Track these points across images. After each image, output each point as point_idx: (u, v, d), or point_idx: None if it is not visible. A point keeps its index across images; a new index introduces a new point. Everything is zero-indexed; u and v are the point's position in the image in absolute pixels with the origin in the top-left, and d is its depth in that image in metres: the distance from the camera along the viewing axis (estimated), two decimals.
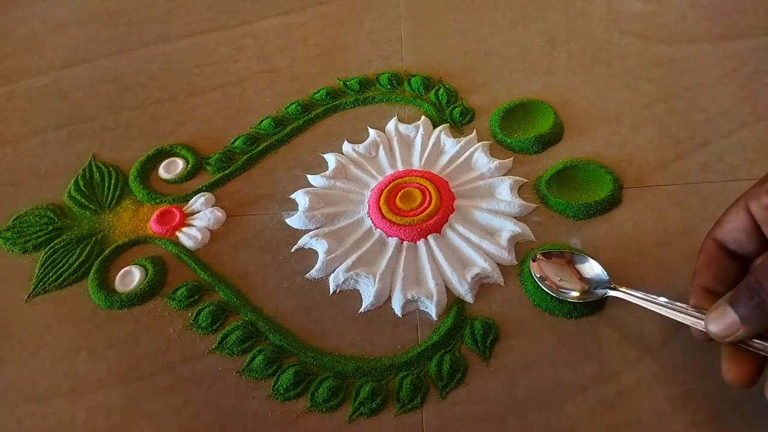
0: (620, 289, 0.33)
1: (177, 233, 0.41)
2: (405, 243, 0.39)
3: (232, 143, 0.46)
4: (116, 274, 0.39)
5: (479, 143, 0.44)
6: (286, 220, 0.41)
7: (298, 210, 0.41)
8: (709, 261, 0.30)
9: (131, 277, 0.39)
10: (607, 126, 0.45)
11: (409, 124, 0.46)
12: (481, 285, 0.37)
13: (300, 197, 0.42)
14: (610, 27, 0.52)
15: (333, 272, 0.38)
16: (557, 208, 0.40)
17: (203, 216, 0.42)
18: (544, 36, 0.52)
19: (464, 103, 0.47)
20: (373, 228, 0.40)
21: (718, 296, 0.28)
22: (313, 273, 0.38)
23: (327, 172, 0.43)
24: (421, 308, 0.36)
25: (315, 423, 0.32)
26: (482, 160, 0.43)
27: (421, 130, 0.45)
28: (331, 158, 0.44)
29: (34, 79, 0.55)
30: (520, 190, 0.41)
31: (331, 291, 0.37)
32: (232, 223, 0.42)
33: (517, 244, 0.38)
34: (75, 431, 0.33)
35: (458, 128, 0.46)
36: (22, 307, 0.39)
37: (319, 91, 0.49)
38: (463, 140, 0.44)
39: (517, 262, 0.37)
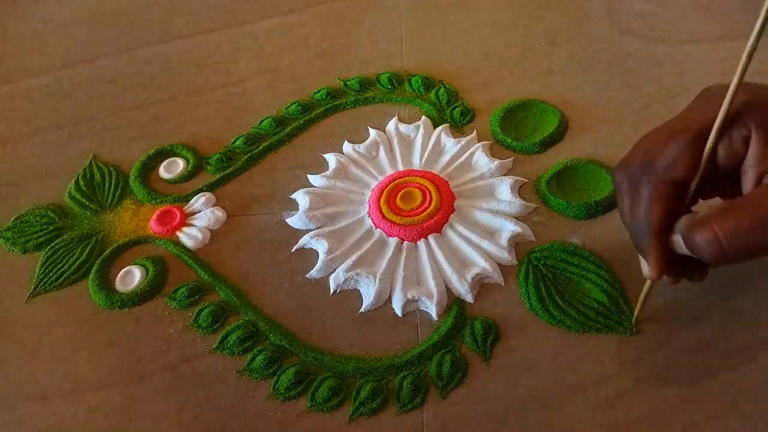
0: None
1: (177, 233, 0.41)
2: (405, 243, 0.39)
3: (233, 143, 0.46)
4: (117, 274, 0.39)
5: (479, 143, 0.44)
6: (286, 220, 0.41)
7: (298, 210, 0.41)
8: (671, 206, 0.29)
9: (132, 277, 0.39)
10: (608, 126, 0.45)
11: (410, 124, 0.46)
12: (482, 285, 0.37)
13: (300, 197, 0.42)
14: (610, 27, 0.52)
15: (333, 272, 0.38)
16: (557, 208, 0.40)
17: (204, 216, 0.42)
18: (545, 36, 0.52)
19: (464, 103, 0.47)
20: (374, 228, 0.40)
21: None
22: (314, 273, 0.38)
23: (327, 172, 0.43)
24: (422, 308, 0.36)
25: (315, 423, 0.32)
26: (482, 160, 0.43)
27: (421, 130, 0.45)
28: (331, 158, 0.44)
29: (34, 79, 0.55)
30: (520, 190, 0.41)
31: (332, 291, 0.37)
32: (232, 223, 0.42)
33: (517, 244, 0.38)
34: (75, 431, 0.33)
35: (458, 128, 0.46)
36: (23, 307, 0.39)
37: (319, 91, 0.49)
38: (464, 140, 0.44)
39: (517, 262, 0.37)
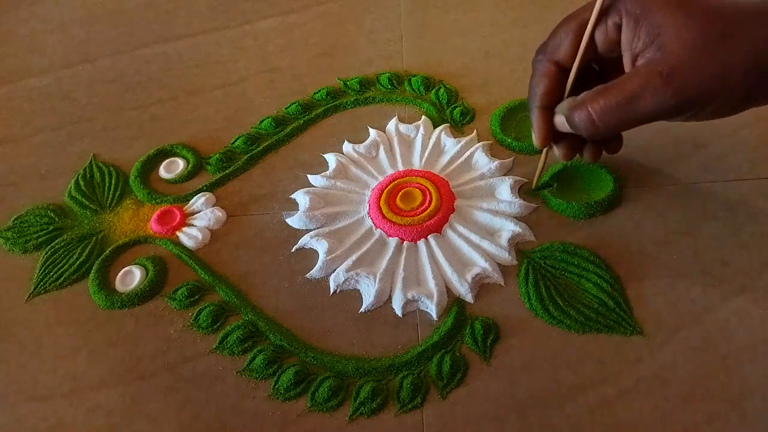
0: None
1: (177, 233, 0.41)
2: (405, 243, 0.39)
3: (233, 143, 0.46)
4: (117, 274, 0.39)
5: (479, 143, 0.44)
6: (286, 220, 0.41)
7: (298, 210, 0.41)
8: (553, 83, 0.34)
9: (132, 276, 0.39)
10: None
11: (410, 124, 0.46)
12: (482, 285, 0.37)
13: (300, 197, 0.42)
14: None
15: (333, 272, 0.38)
16: (557, 208, 0.40)
17: (204, 216, 0.42)
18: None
19: (464, 103, 0.47)
20: (374, 228, 0.40)
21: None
22: (314, 273, 0.38)
23: (327, 172, 0.43)
24: (422, 308, 0.36)
25: (315, 423, 0.32)
26: (482, 160, 0.43)
27: (421, 130, 0.45)
28: (331, 158, 0.44)
29: (34, 79, 0.55)
30: (520, 190, 0.41)
31: (332, 291, 0.37)
32: (232, 222, 0.42)
33: (517, 244, 0.38)
34: (75, 431, 0.33)
35: (458, 128, 0.46)
36: (23, 307, 0.39)
37: (319, 90, 0.49)
38: (464, 140, 0.44)
39: (517, 262, 0.37)
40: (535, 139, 0.35)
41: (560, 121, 0.34)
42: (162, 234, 0.41)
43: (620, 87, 0.30)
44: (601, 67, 0.35)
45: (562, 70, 0.34)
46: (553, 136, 0.35)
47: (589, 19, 0.32)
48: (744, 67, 0.28)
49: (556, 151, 0.36)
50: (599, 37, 0.32)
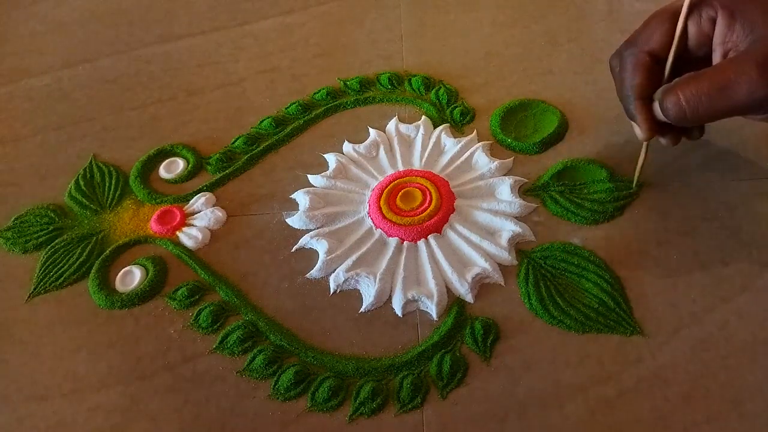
0: None
1: (177, 233, 0.41)
2: (405, 243, 0.39)
3: (233, 143, 0.46)
4: (117, 274, 0.39)
5: (480, 143, 0.44)
6: (286, 220, 0.41)
7: (298, 210, 0.41)
8: (649, 73, 0.33)
9: (132, 276, 0.39)
10: (608, 126, 0.45)
11: (410, 124, 0.46)
12: (482, 285, 0.37)
13: (300, 197, 0.42)
14: (610, 27, 0.52)
15: (333, 272, 0.38)
16: (560, 214, 0.40)
17: (204, 216, 0.42)
18: (545, 36, 0.52)
19: (465, 103, 0.47)
20: (374, 228, 0.40)
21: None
22: (314, 273, 0.38)
23: (327, 172, 0.43)
24: (422, 308, 0.36)
25: (315, 423, 0.32)
26: (483, 160, 0.43)
27: (421, 130, 0.45)
28: (331, 158, 0.44)
29: (34, 79, 0.55)
30: (520, 190, 0.41)
31: (332, 291, 0.37)
32: (232, 222, 0.42)
33: (517, 244, 0.38)
34: (75, 431, 0.33)
35: (459, 128, 0.46)
36: (23, 307, 0.39)
37: (319, 90, 0.49)
38: (464, 140, 0.44)
39: (517, 262, 0.37)
40: (640, 131, 0.34)
41: (656, 108, 0.33)
42: (162, 234, 0.41)
43: (713, 74, 0.30)
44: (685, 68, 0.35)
45: (656, 61, 0.33)
46: (657, 126, 0.34)
47: (676, 12, 0.32)
48: None
49: (662, 140, 0.35)
50: (692, 29, 0.32)
